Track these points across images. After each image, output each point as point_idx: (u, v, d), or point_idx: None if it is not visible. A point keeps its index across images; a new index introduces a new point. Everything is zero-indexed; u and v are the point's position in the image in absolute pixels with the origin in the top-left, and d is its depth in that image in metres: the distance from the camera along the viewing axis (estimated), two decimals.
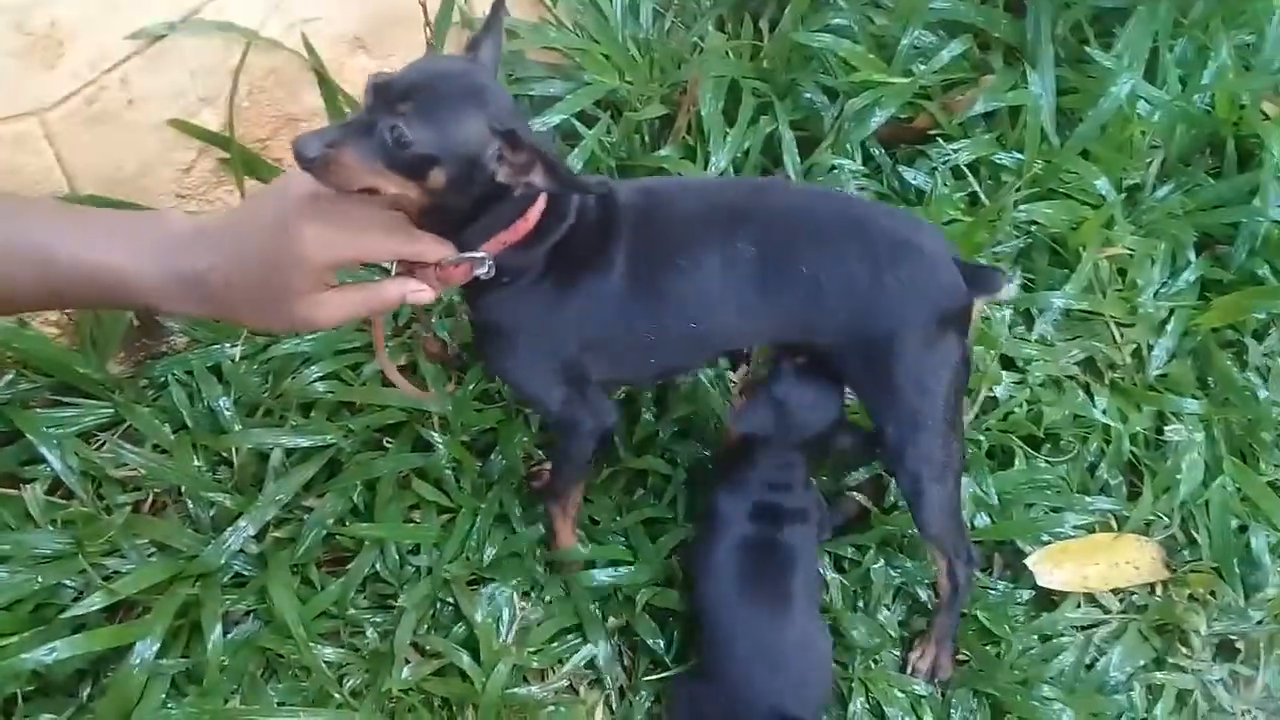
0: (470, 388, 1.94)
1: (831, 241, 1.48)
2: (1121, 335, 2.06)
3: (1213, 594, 1.85)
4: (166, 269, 1.10)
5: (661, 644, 1.77)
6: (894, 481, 1.72)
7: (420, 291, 1.23)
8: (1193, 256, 2.15)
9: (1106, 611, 1.82)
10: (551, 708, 1.69)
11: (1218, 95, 2.26)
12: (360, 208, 1.16)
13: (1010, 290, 1.57)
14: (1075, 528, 1.89)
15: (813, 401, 1.69)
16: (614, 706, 1.73)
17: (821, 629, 1.68)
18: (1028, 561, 1.82)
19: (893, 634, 1.80)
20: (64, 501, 1.77)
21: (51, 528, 1.72)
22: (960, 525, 1.67)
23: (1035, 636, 1.80)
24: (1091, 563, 1.82)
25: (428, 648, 1.72)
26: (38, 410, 1.81)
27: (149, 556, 1.72)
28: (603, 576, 1.79)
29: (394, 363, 1.92)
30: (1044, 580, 1.79)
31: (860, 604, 1.82)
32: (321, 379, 1.90)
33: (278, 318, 1.15)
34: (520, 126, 1.22)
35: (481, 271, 1.31)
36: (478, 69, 1.26)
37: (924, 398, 1.52)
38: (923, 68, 2.29)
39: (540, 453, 1.93)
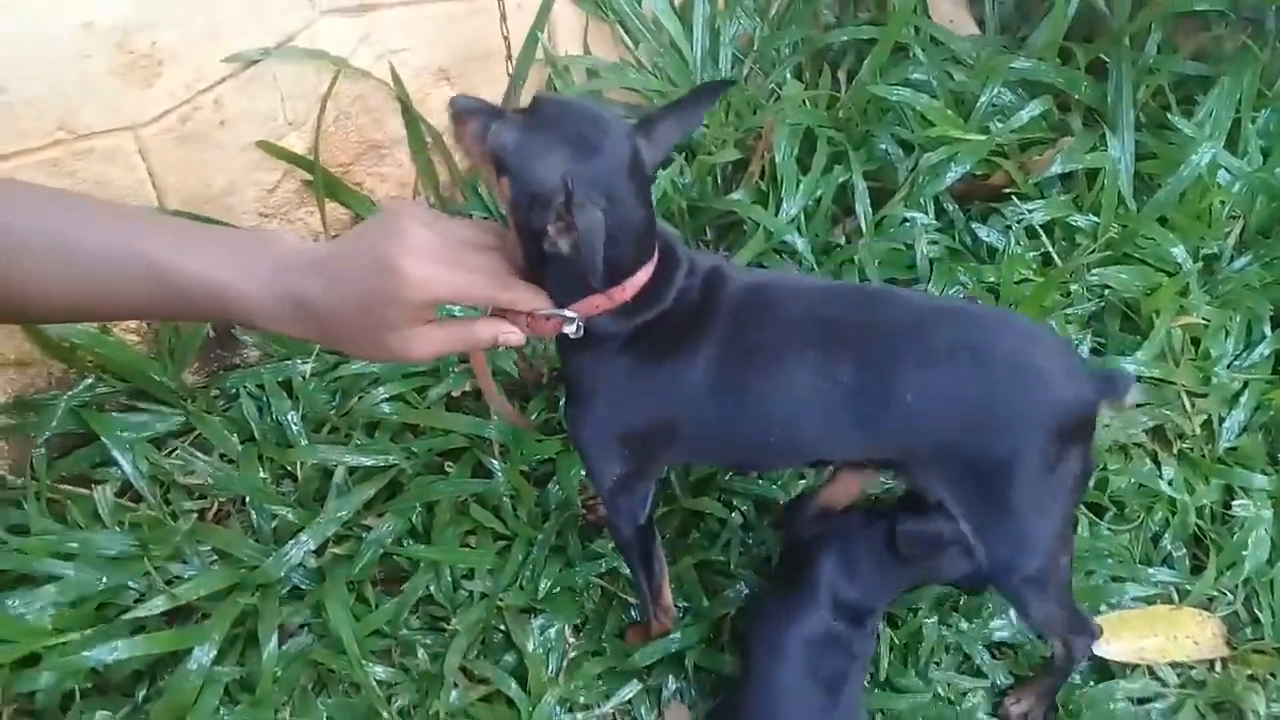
0: (532, 418, 1.96)
1: (941, 365, 1.37)
2: (1193, 405, 2.02)
3: (1273, 674, 1.80)
4: (275, 291, 1.11)
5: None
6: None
7: (511, 334, 1.25)
8: (1268, 330, 2.11)
9: (1164, 685, 1.78)
10: None
11: None
12: (464, 250, 1.18)
13: (1136, 393, 1.48)
14: (1135, 599, 1.85)
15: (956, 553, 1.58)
16: None
17: None
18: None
19: (941, 692, 1.77)
20: (132, 505, 1.81)
21: (119, 529, 1.76)
22: (1071, 616, 1.60)
23: (1089, 710, 1.76)
24: (1150, 634, 1.79)
25: (476, 673, 1.73)
26: (113, 414, 1.86)
27: (210, 564, 1.76)
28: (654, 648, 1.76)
29: (459, 388, 1.96)
30: (1100, 650, 1.75)
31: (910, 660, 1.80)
32: (388, 400, 1.93)
33: (374, 347, 1.17)
34: (587, 200, 1.17)
35: (570, 330, 1.29)
36: (619, 133, 1.24)
37: (1041, 520, 1.44)
38: (1000, 126, 2.28)
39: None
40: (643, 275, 1.31)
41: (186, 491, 1.85)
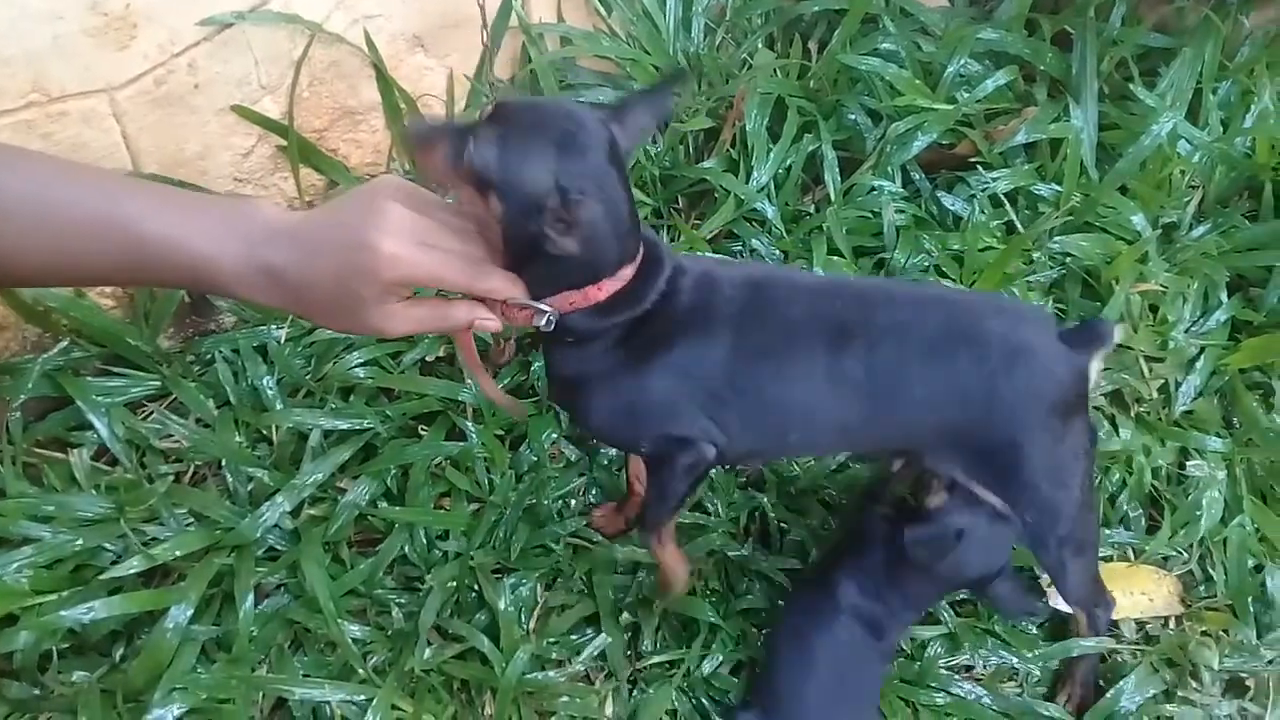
0: (504, 383, 1.98)
1: (942, 355, 1.41)
2: (1150, 370, 2.07)
3: (1225, 631, 1.86)
4: (249, 260, 1.12)
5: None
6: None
7: (488, 320, 1.24)
8: (1225, 297, 2.16)
9: (1119, 641, 1.83)
10: (566, 696, 1.72)
11: (1258, 139, 2.27)
12: (443, 232, 1.17)
13: (1120, 332, 1.52)
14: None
15: (988, 546, 1.60)
16: (626, 697, 1.76)
17: None
18: (1044, 585, 1.84)
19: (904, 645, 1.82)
20: (108, 468, 1.83)
21: (95, 492, 1.77)
22: (1098, 584, 1.69)
23: (1045, 662, 1.82)
24: (1121, 593, 1.83)
25: (450, 631, 1.76)
26: (88, 378, 1.88)
27: (187, 525, 1.77)
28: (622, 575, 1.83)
29: (433, 353, 1.99)
30: (1059, 605, 1.80)
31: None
32: (362, 365, 1.95)
33: (348, 321, 1.17)
34: (584, 201, 1.19)
35: (541, 323, 1.27)
36: (595, 125, 1.23)
37: (1062, 490, 1.49)
38: (967, 96, 2.32)
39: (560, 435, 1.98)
40: (626, 272, 1.29)
41: (162, 455, 1.86)
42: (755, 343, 1.39)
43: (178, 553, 1.71)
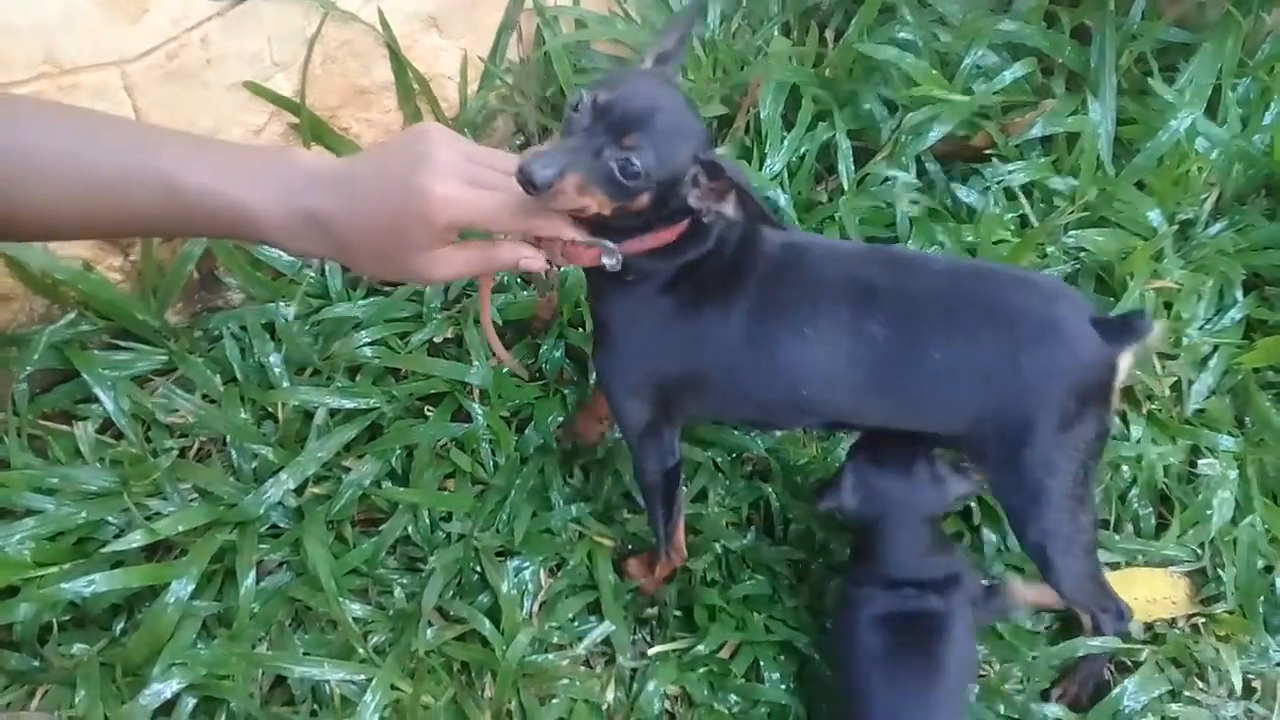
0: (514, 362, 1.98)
1: (966, 324, 1.43)
2: (1163, 367, 2.05)
3: (1243, 634, 1.84)
4: (291, 207, 1.11)
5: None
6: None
7: (532, 259, 1.23)
8: (1240, 295, 2.14)
9: (1126, 640, 1.81)
10: (567, 680, 1.72)
11: (1277, 137, 2.24)
12: (490, 175, 1.16)
13: (1158, 331, 1.49)
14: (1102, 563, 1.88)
15: (900, 476, 1.62)
16: (628, 684, 1.75)
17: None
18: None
19: None
20: (113, 441, 1.83)
21: (99, 465, 1.77)
22: (1100, 588, 1.65)
23: (1055, 661, 1.80)
24: (1130, 595, 1.81)
25: (452, 613, 1.76)
26: (95, 351, 1.87)
27: (190, 501, 1.77)
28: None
29: (441, 334, 1.98)
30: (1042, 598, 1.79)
31: None
32: (370, 344, 1.94)
33: (394, 267, 1.16)
34: (719, 157, 1.25)
35: (610, 262, 1.29)
36: (683, 97, 1.28)
37: (1050, 475, 1.47)
38: (984, 87, 2.30)
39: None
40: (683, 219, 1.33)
41: (168, 430, 1.86)
42: (783, 296, 1.44)
43: (180, 528, 1.70)
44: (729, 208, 1.26)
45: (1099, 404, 1.46)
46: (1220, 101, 2.33)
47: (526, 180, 1.11)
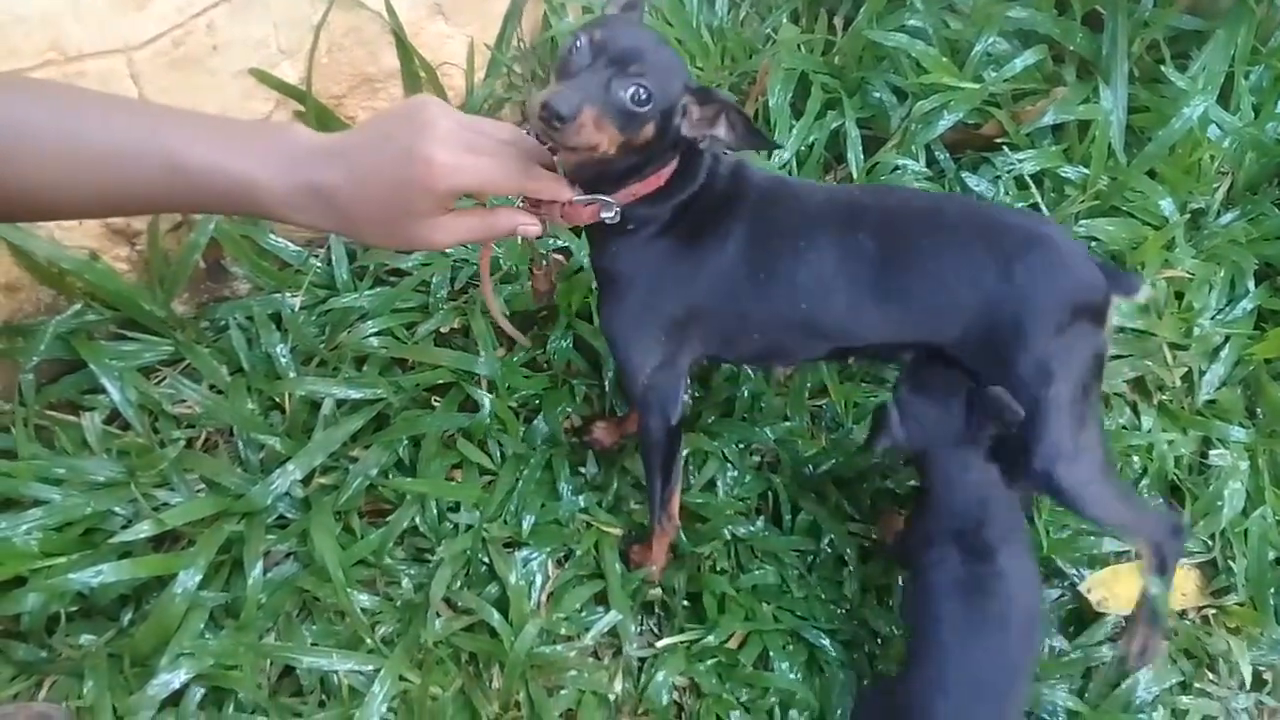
0: (520, 355, 1.97)
1: (957, 236, 1.47)
2: (1174, 357, 2.04)
3: (1254, 626, 1.83)
4: (294, 180, 1.12)
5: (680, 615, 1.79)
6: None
7: (530, 225, 1.28)
8: (1252, 285, 2.13)
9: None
10: (575, 671, 1.71)
11: None
12: (491, 142, 1.19)
13: (1146, 292, 1.51)
14: (1112, 551, 1.87)
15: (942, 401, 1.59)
16: (635, 674, 1.75)
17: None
18: (1080, 588, 1.82)
19: None
20: (120, 432, 1.82)
21: (106, 456, 1.77)
22: (1137, 507, 1.61)
23: (1069, 653, 1.80)
24: (1140, 587, 1.79)
25: (459, 604, 1.75)
26: (102, 342, 1.87)
27: (198, 491, 1.77)
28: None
29: (448, 324, 1.97)
30: (1097, 604, 1.78)
31: None
32: (377, 334, 1.94)
33: (396, 236, 1.18)
34: (706, 85, 1.32)
35: (608, 216, 1.35)
36: (660, 35, 1.32)
37: (1048, 385, 1.45)
38: (994, 75, 2.28)
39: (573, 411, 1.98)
40: (673, 154, 1.38)
41: (175, 420, 1.85)
42: (775, 218, 1.49)
43: (188, 518, 1.70)
44: (721, 130, 1.31)
45: (1092, 321, 1.47)
46: (1233, 89, 2.31)
47: (553, 114, 1.15)
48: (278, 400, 1.89)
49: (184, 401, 1.86)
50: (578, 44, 1.24)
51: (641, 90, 1.22)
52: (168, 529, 1.68)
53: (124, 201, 1.13)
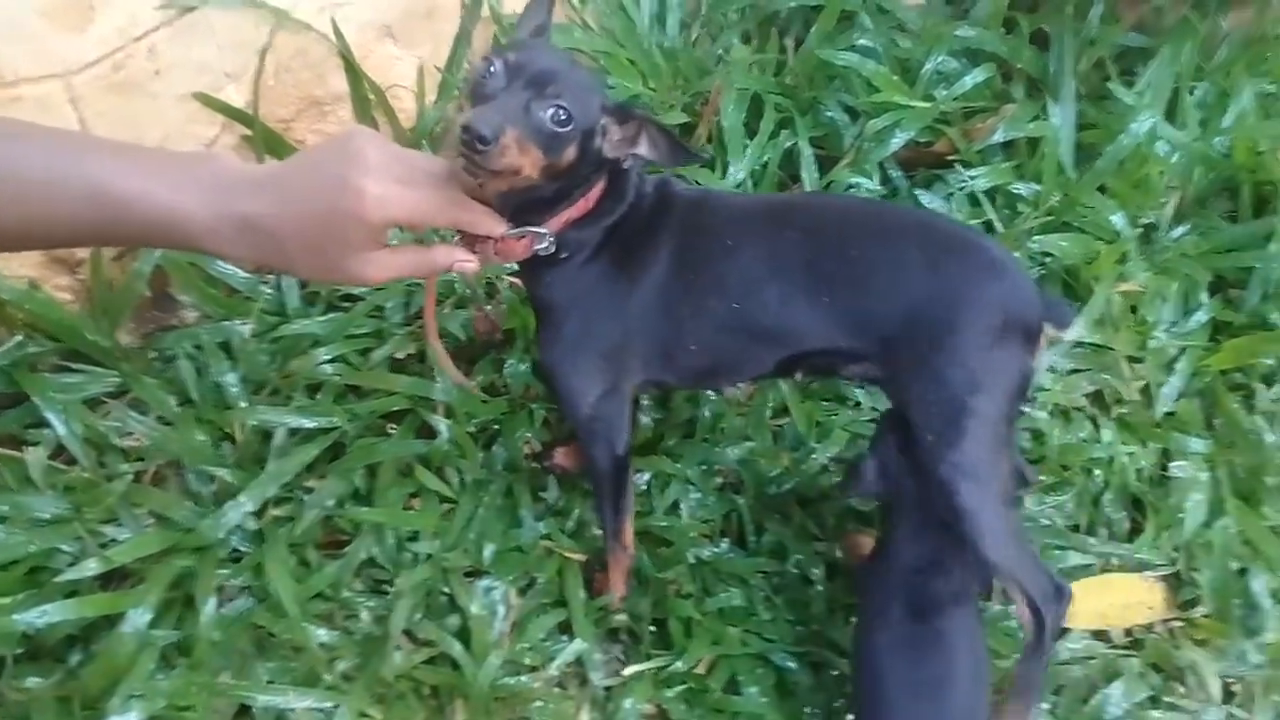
0: (478, 379, 1.93)
1: (889, 233, 1.46)
2: (1132, 370, 2.05)
3: (1220, 637, 1.83)
4: (218, 211, 1.09)
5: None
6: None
7: (467, 262, 1.26)
8: (1205, 298, 2.15)
9: (1109, 645, 1.80)
10: (540, 702, 1.67)
11: (1236, 140, 2.26)
12: (423, 175, 1.17)
13: (1075, 329, 1.51)
14: (1076, 566, 1.87)
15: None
16: (602, 704, 1.71)
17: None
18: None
19: None
20: (65, 467, 1.76)
21: (51, 492, 1.71)
22: (1030, 558, 1.50)
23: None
24: (1107, 601, 1.80)
25: (420, 635, 1.71)
26: (44, 374, 1.81)
27: (146, 526, 1.72)
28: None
29: (404, 350, 1.93)
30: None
31: None
32: (330, 361, 1.89)
33: (330, 269, 1.15)
34: (623, 102, 1.33)
35: (541, 247, 1.35)
36: (573, 57, 1.34)
37: (973, 395, 1.39)
38: (945, 93, 2.29)
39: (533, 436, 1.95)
40: (600, 181, 1.39)
41: (122, 454, 1.80)
42: (703, 224, 1.50)
43: (137, 554, 1.65)
44: (644, 148, 1.31)
45: (1024, 340, 1.43)
46: (1179, 105, 2.34)
47: (476, 136, 1.13)
48: (228, 431, 1.84)
49: (131, 434, 1.81)
50: (491, 68, 1.23)
51: (561, 110, 1.21)
52: (116, 566, 1.62)
53: (49, 233, 1.11)
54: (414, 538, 1.79)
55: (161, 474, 1.82)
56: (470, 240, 1.29)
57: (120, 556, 1.63)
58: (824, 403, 2.02)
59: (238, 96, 1.91)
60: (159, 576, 1.64)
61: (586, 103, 1.25)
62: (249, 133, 1.94)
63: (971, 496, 1.41)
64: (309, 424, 1.82)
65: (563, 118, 1.21)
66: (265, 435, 1.82)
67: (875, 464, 1.58)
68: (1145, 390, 2.05)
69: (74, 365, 1.84)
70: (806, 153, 2.24)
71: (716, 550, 1.84)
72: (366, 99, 2.08)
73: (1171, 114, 2.34)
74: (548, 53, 1.29)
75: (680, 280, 1.48)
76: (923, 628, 1.52)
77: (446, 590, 1.74)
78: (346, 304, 2.00)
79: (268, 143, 1.96)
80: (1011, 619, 1.75)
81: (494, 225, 1.27)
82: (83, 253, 1.83)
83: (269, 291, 1.97)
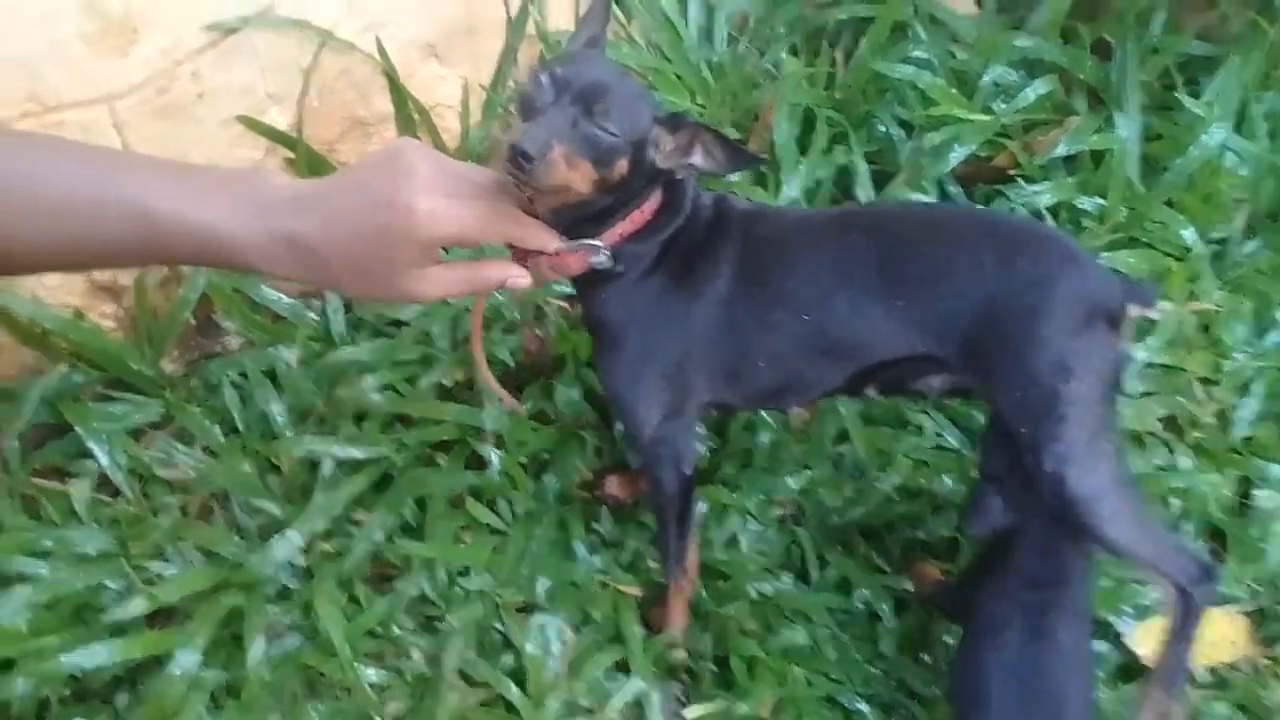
0: (528, 405, 1.88)
1: (955, 231, 1.42)
2: (1207, 393, 1.97)
3: None
4: (266, 229, 1.06)
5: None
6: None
7: (520, 278, 1.21)
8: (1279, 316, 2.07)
9: (1194, 685, 1.72)
10: None
11: None
12: (472, 188, 1.14)
13: (1161, 306, 1.45)
14: (1156, 602, 1.78)
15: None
16: None
17: None
18: (1126, 640, 1.73)
19: None
20: (110, 499, 1.73)
21: (96, 526, 1.67)
22: (1162, 534, 1.45)
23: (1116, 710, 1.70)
24: None
25: (474, 676, 1.65)
26: (88, 404, 1.77)
27: (193, 562, 1.67)
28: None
29: (452, 377, 1.88)
30: (1145, 658, 1.67)
31: None
32: (377, 389, 1.84)
33: (379, 287, 1.12)
34: (676, 111, 1.29)
35: (598, 260, 1.32)
36: (623, 69, 1.29)
37: (1065, 380, 1.33)
38: (1004, 106, 2.22)
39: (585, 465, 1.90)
40: (656, 193, 1.35)
41: (167, 486, 1.76)
42: (765, 236, 1.46)
43: (184, 592, 1.61)
44: (698, 157, 1.27)
45: (1109, 325, 1.37)
46: (1246, 115, 2.26)
47: (520, 154, 1.11)
48: (274, 461, 1.79)
49: (176, 466, 1.77)
50: (540, 82, 1.20)
51: (608, 125, 1.19)
52: (162, 604, 1.58)
53: (95, 253, 1.07)
54: (465, 572, 1.73)
55: (207, 506, 1.78)
56: (522, 255, 1.26)
57: (167, 594, 1.59)
58: (885, 428, 1.95)
59: (281, 119, 1.88)
60: (207, 615, 1.59)
61: (637, 114, 1.23)
62: (292, 155, 1.90)
63: (1082, 483, 1.35)
64: (357, 454, 1.78)
65: (612, 130, 1.19)
66: (312, 465, 1.78)
67: (993, 492, 1.51)
68: (1221, 414, 1.97)
69: (118, 394, 1.81)
70: (861, 168, 2.17)
71: (778, 585, 1.78)
72: (411, 119, 2.04)
73: (1237, 125, 2.26)
74: (597, 64, 1.26)
75: (743, 293, 1.43)
76: (1042, 644, 1.46)
77: (500, 627, 1.69)
78: (393, 329, 1.96)
79: (311, 164, 1.92)
80: None
81: (547, 239, 1.24)
82: (126, 280, 1.80)
83: (314, 318, 1.93)
